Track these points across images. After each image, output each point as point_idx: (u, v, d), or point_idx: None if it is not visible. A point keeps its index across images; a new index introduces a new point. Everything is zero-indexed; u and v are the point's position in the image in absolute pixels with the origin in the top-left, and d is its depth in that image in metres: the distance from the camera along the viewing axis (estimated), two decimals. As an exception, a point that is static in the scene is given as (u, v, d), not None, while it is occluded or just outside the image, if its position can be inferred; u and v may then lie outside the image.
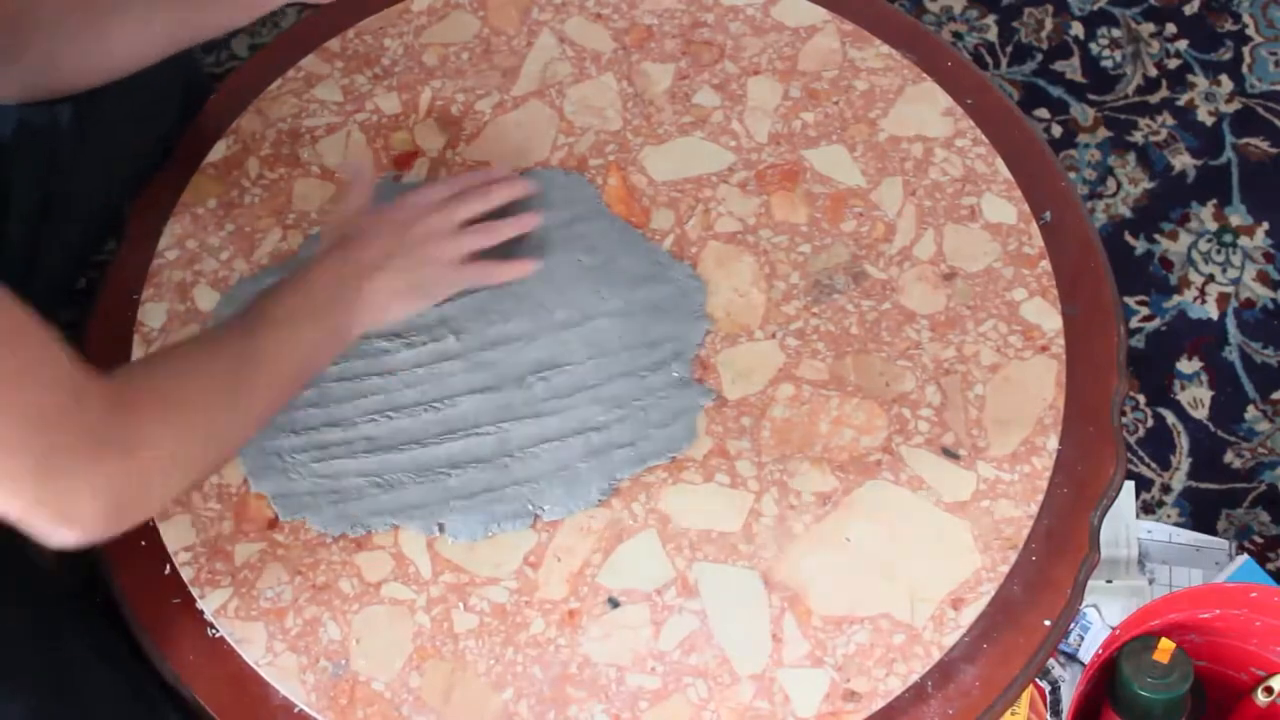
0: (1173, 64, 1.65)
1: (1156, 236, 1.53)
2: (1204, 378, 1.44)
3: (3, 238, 0.95)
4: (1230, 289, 1.50)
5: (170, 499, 0.78)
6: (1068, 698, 1.21)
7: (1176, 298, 1.49)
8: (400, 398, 0.92)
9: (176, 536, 0.89)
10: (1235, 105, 1.62)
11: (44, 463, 0.65)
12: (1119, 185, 1.57)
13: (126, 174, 1.03)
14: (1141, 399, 1.43)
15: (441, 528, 0.88)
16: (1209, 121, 1.61)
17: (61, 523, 0.67)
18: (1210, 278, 1.51)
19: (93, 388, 0.69)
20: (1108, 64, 1.66)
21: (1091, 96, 1.63)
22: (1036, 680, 1.21)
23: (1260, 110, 1.62)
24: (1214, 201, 1.56)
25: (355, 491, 0.89)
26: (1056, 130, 1.60)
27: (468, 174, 0.96)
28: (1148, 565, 1.31)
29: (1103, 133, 1.60)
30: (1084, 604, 1.21)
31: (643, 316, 0.94)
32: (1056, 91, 1.63)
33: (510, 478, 0.89)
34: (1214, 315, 1.48)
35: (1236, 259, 1.52)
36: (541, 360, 0.93)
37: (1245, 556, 1.29)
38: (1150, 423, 1.42)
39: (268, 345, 0.80)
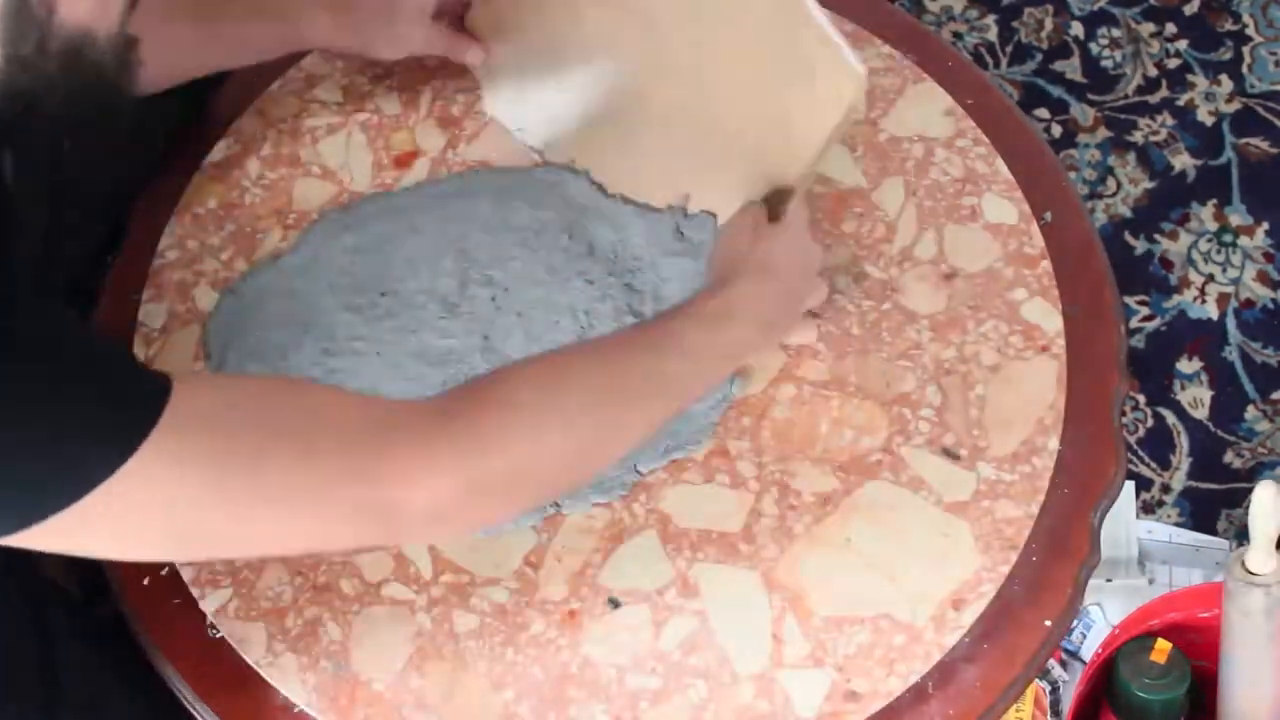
0: (1173, 64, 1.65)
1: (1156, 236, 1.54)
2: (1204, 378, 1.45)
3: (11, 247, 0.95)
4: (1230, 289, 1.50)
5: (528, 504, 0.74)
6: (1067, 698, 1.22)
7: (1176, 298, 1.50)
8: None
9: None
10: (1235, 105, 1.62)
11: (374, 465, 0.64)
12: (1119, 185, 1.57)
13: (128, 174, 1.03)
14: (1141, 399, 1.43)
15: None
16: (1209, 121, 1.61)
17: (401, 524, 0.67)
18: (1210, 278, 1.51)
19: (423, 405, 0.68)
20: (1108, 64, 1.66)
21: (1091, 96, 1.63)
22: (1037, 680, 1.21)
23: (1260, 110, 1.62)
24: (1214, 201, 1.56)
25: None
26: (1056, 130, 1.60)
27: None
28: (1148, 565, 1.31)
29: (1103, 133, 1.60)
30: (1086, 602, 1.21)
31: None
32: (1056, 91, 1.64)
33: None
34: (1214, 315, 1.48)
35: (1236, 259, 1.52)
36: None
37: (1245, 556, 1.29)
38: (1150, 423, 1.42)
39: (656, 371, 0.76)
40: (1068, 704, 1.17)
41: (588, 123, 1.00)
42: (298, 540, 0.67)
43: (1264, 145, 1.59)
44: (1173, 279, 1.51)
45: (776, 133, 0.88)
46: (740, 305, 0.81)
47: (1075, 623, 1.25)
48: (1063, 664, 1.26)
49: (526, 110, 1.03)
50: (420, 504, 0.66)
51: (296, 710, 0.84)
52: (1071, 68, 1.65)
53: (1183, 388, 1.44)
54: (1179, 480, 1.39)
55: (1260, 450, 1.40)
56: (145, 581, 0.88)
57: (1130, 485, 1.36)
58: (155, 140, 1.04)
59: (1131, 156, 1.59)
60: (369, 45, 0.99)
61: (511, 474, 0.69)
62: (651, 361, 0.76)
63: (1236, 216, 1.55)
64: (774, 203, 0.89)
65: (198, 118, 1.07)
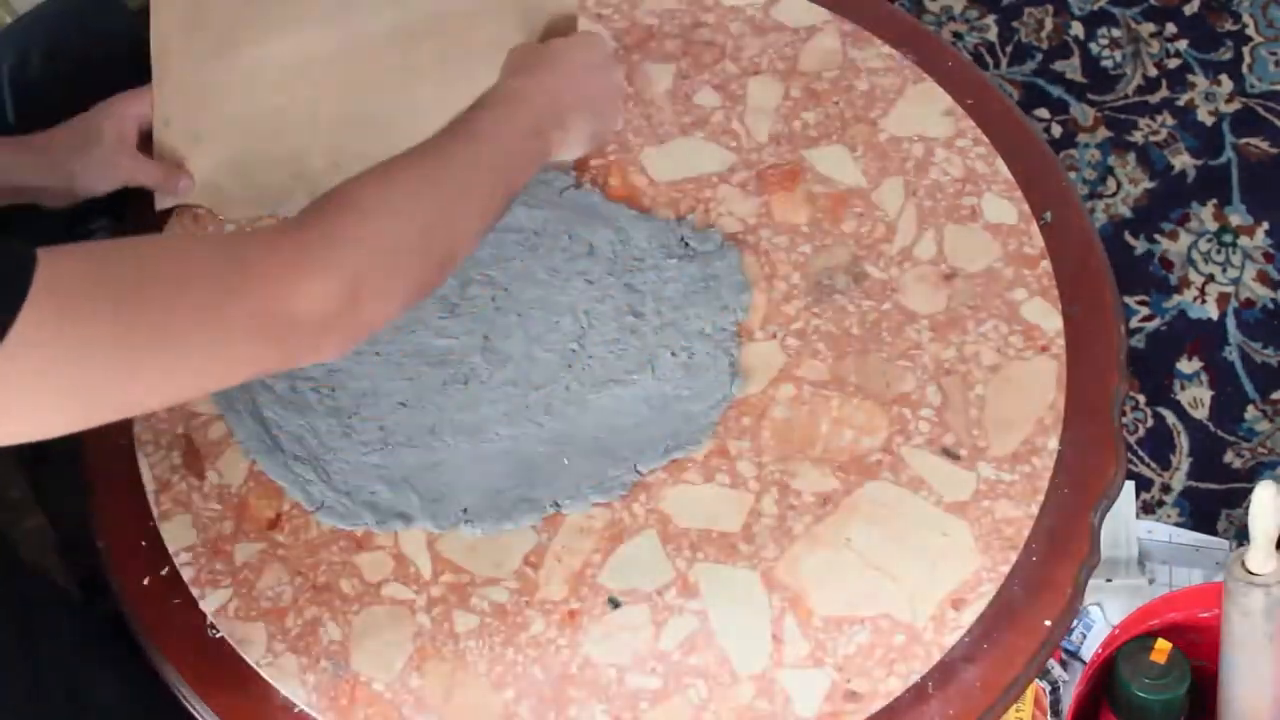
0: (1173, 64, 1.65)
1: (1156, 236, 1.54)
2: (1204, 378, 1.45)
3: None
4: (1230, 289, 1.50)
5: (405, 296, 0.74)
6: (1067, 698, 1.21)
7: (1176, 298, 1.50)
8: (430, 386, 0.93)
9: (176, 537, 0.89)
10: (1235, 105, 1.62)
11: (253, 278, 0.66)
12: (1119, 185, 1.57)
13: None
14: (1141, 399, 1.43)
15: (465, 511, 0.88)
16: (1209, 121, 1.61)
17: (300, 330, 0.68)
18: (1210, 278, 1.51)
19: (276, 225, 0.72)
20: (1108, 64, 1.66)
21: (1091, 96, 1.63)
22: (1037, 680, 1.21)
23: (1260, 110, 1.62)
24: (1214, 201, 1.56)
25: (369, 488, 0.89)
26: (1056, 130, 1.60)
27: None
28: (1148, 565, 1.31)
29: (1103, 133, 1.60)
30: (1086, 602, 1.21)
31: (670, 301, 0.95)
32: (1056, 91, 1.64)
33: (536, 472, 0.89)
34: (1214, 315, 1.48)
35: (1236, 259, 1.52)
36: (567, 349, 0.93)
37: (1245, 556, 1.29)
38: (1150, 423, 1.42)
39: (476, 150, 0.79)
40: (1068, 704, 1.17)
41: (336, 138, 1.00)
42: (197, 377, 0.67)
43: (1264, 145, 1.59)
44: (1173, 279, 1.51)
45: None
46: (526, 88, 0.84)
47: (1075, 623, 1.25)
48: (1063, 664, 1.26)
49: (266, 189, 1.01)
50: (302, 309, 0.67)
51: (296, 710, 0.84)
52: (1071, 68, 1.65)
53: (1183, 388, 1.44)
54: (1179, 480, 1.39)
55: (1260, 450, 1.40)
56: (145, 581, 0.88)
57: (1130, 485, 1.36)
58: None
59: (1131, 156, 1.59)
60: (74, 182, 0.96)
61: (373, 262, 0.71)
62: (463, 148, 0.79)
63: (1236, 216, 1.55)
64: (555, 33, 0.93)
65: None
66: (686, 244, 0.97)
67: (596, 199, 1.00)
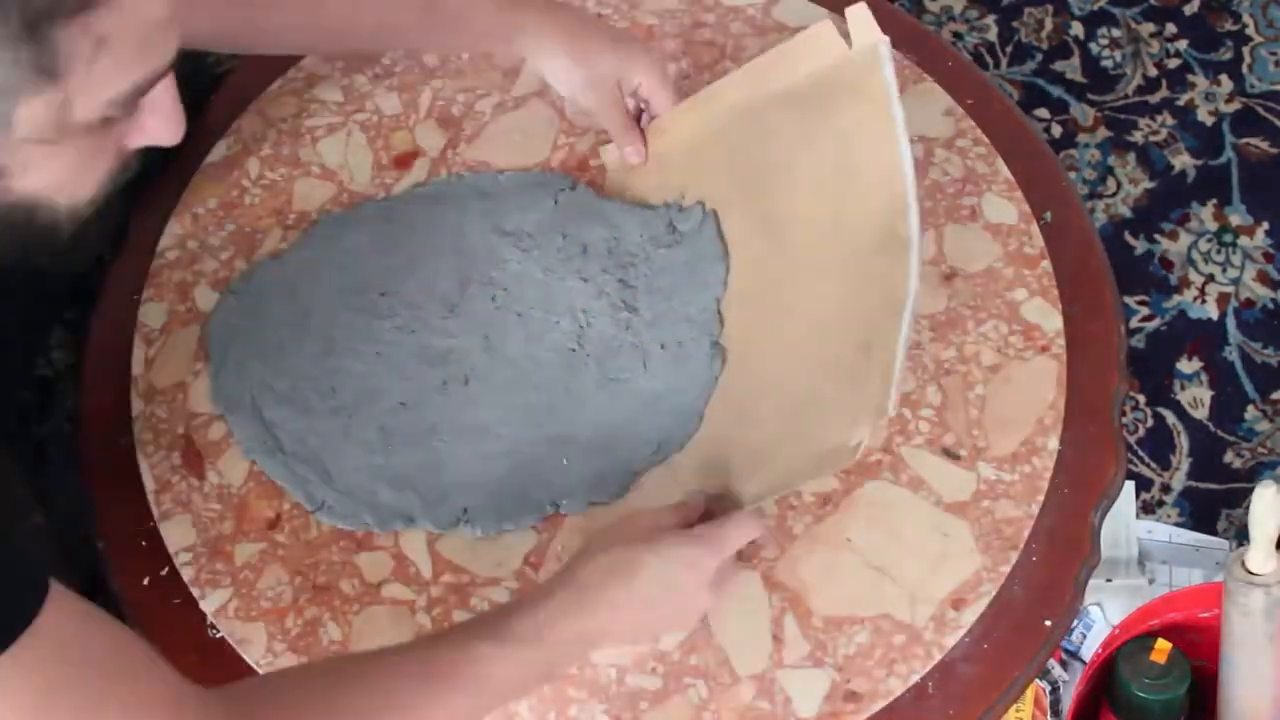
0: (1173, 64, 1.65)
1: (1156, 236, 1.54)
2: (1204, 378, 1.45)
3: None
4: (1230, 289, 1.50)
5: None
6: (1067, 698, 1.21)
7: (1176, 298, 1.50)
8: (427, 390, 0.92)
9: (177, 537, 0.89)
10: (1235, 105, 1.62)
11: None
12: (1119, 185, 1.57)
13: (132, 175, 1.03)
14: (1141, 399, 1.43)
15: (466, 512, 0.88)
16: (1209, 121, 1.61)
17: None
18: (1210, 278, 1.51)
19: (195, 707, 0.67)
20: (1108, 64, 1.66)
21: (1091, 96, 1.63)
22: (1037, 680, 1.21)
23: (1260, 110, 1.62)
24: (1214, 201, 1.56)
25: (370, 488, 0.89)
26: (1056, 130, 1.60)
27: (745, 527, 0.83)
28: (1148, 565, 1.31)
29: (1103, 133, 1.60)
30: (1086, 602, 1.21)
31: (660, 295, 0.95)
32: (1056, 91, 1.64)
33: (531, 474, 0.89)
34: (1214, 315, 1.48)
35: (1236, 259, 1.52)
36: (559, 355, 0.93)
37: (1245, 556, 1.29)
38: (1150, 423, 1.42)
39: (456, 704, 0.73)
40: (1068, 704, 1.17)
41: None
42: None
43: (1264, 145, 1.59)
44: (1173, 279, 1.51)
45: (799, 444, 0.86)
46: (561, 624, 0.76)
47: (1075, 623, 1.25)
48: (1063, 664, 1.26)
49: None
50: None
51: (296, 710, 0.84)
52: (1071, 68, 1.65)
53: (1183, 388, 1.44)
54: (1179, 480, 1.39)
55: (1260, 450, 1.40)
56: (145, 581, 0.88)
57: (1130, 485, 1.36)
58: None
59: (1131, 156, 1.59)
60: (564, 81, 0.99)
61: None
62: (445, 695, 0.73)
63: (1236, 216, 1.55)
64: (716, 506, 0.85)
65: (198, 118, 1.07)
66: (674, 227, 0.97)
67: (589, 198, 1.00)
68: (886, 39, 0.87)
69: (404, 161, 1.04)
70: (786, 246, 0.92)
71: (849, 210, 0.88)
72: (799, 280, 0.91)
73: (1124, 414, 1.21)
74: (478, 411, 0.91)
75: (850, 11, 0.88)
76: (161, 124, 0.64)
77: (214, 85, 1.07)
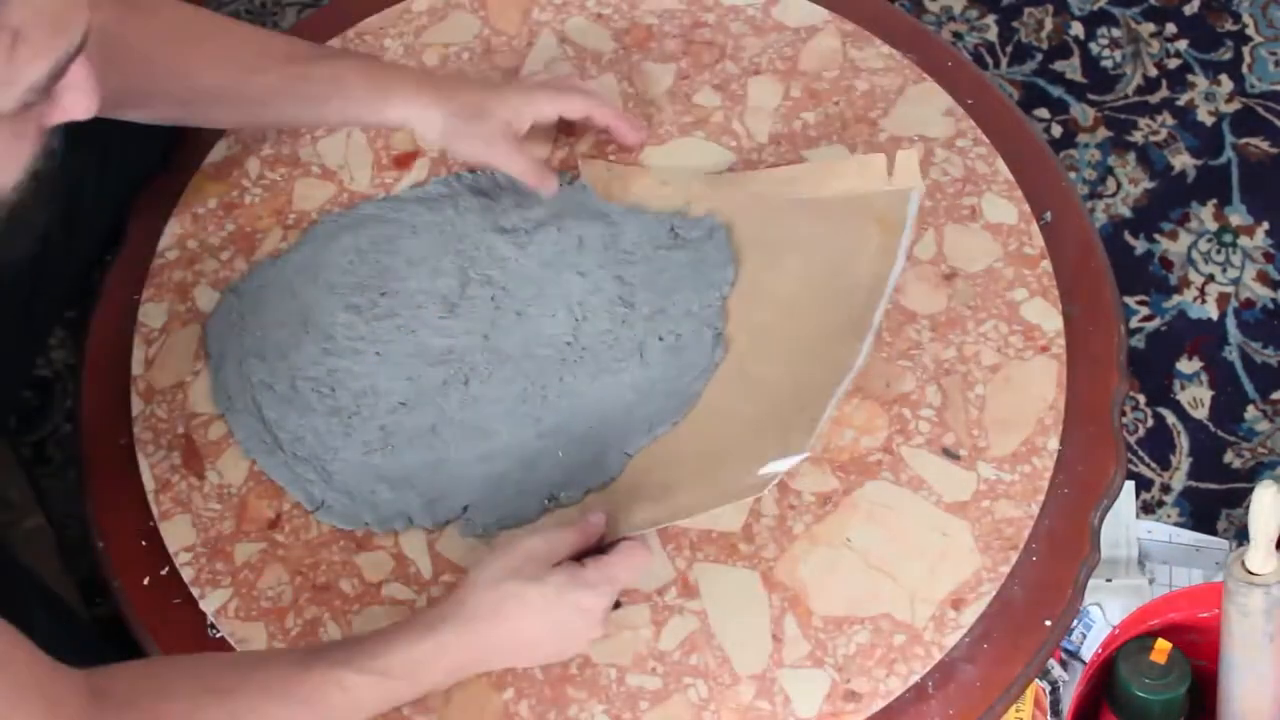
0: (1173, 64, 1.65)
1: (1156, 236, 1.53)
2: (1204, 378, 1.44)
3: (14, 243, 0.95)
4: (1230, 289, 1.50)
5: None
6: (1067, 698, 1.21)
7: (1176, 298, 1.50)
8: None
9: (177, 537, 0.89)
10: (1235, 105, 1.62)
11: None
12: (1119, 185, 1.57)
13: (132, 175, 1.03)
14: (1141, 399, 1.43)
15: (465, 510, 0.88)
16: (1209, 121, 1.61)
17: None
18: (1210, 278, 1.51)
19: (69, 695, 0.67)
20: (1108, 64, 1.65)
21: (1091, 96, 1.63)
22: (1037, 680, 1.21)
23: (1260, 110, 1.62)
24: (1214, 201, 1.55)
25: (370, 487, 0.89)
26: (1056, 130, 1.60)
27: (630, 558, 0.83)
28: (1148, 565, 1.31)
29: (1103, 133, 1.60)
30: (1086, 602, 1.21)
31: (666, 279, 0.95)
32: (1056, 91, 1.63)
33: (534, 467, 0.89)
34: (1214, 315, 1.48)
35: (1236, 259, 1.52)
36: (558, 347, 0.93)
37: (1245, 556, 1.29)
38: (1150, 423, 1.42)
39: (366, 700, 0.74)
40: (1068, 704, 1.17)
41: None
42: None
43: (1264, 145, 1.59)
44: (1173, 279, 1.51)
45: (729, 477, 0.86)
46: (449, 648, 0.77)
47: (1075, 623, 1.25)
48: (1063, 664, 1.26)
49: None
50: None
51: (296, 710, 0.84)
52: (1071, 68, 1.65)
53: (1183, 388, 1.44)
54: (1179, 480, 1.39)
55: (1260, 450, 1.40)
56: (145, 581, 0.88)
57: (1130, 485, 1.36)
58: (155, 141, 1.04)
59: (1131, 156, 1.59)
60: (440, 136, 0.97)
61: None
62: (345, 690, 0.74)
63: (1236, 216, 1.55)
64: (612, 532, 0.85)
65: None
66: (676, 234, 0.97)
67: (588, 195, 1.00)
68: (923, 187, 0.94)
69: (404, 161, 1.04)
70: (763, 296, 0.93)
71: (828, 288, 0.91)
72: (769, 326, 0.92)
73: (1124, 414, 1.21)
74: (477, 410, 0.91)
75: (901, 154, 0.93)
76: (77, 99, 0.63)
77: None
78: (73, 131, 0.63)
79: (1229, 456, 1.40)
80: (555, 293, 0.95)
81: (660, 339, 0.93)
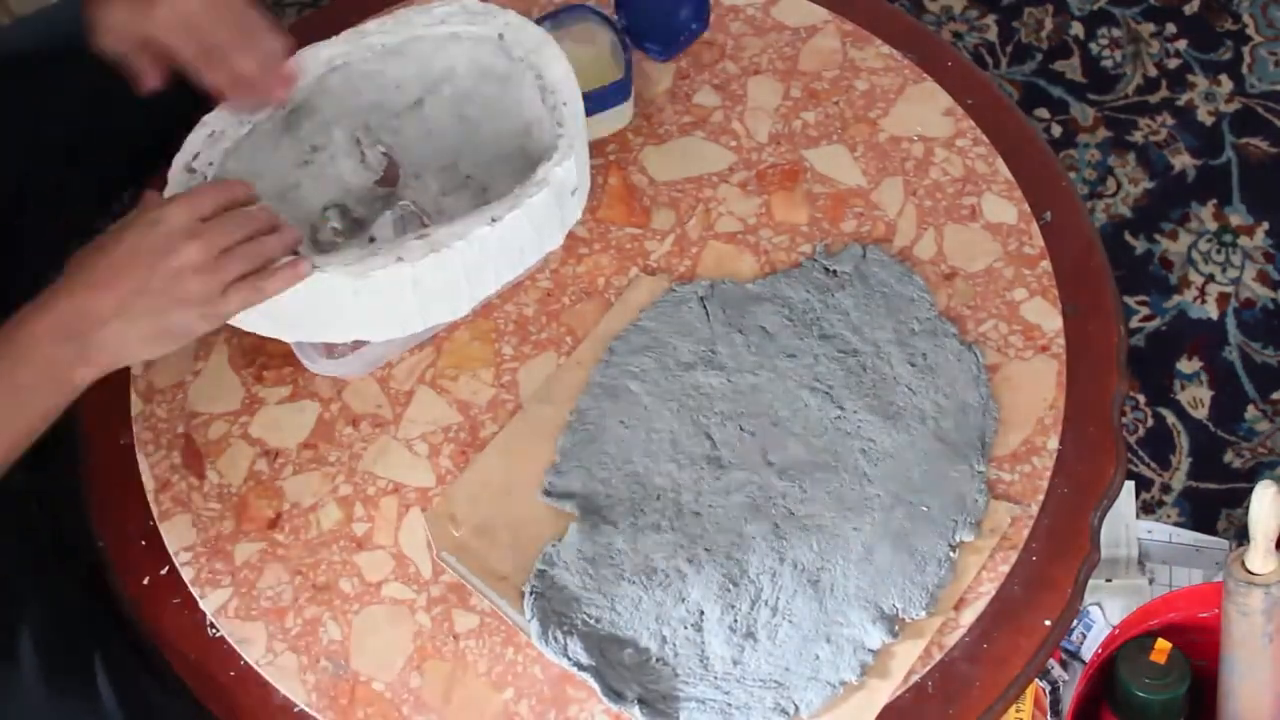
0: (1173, 64, 1.65)
1: (1156, 236, 1.53)
2: (1204, 378, 1.45)
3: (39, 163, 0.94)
4: (1230, 289, 1.50)
5: None
6: (1067, 698, 1.21)
7: (1176, 298, 1.50)
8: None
9: (177, 536, 0.89)
10: (1235, 105, 1.62)
11: None
12: (1119, 185, 1.57)
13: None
14: (1141, 399, 1.43)
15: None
16: (1209, 121, 1.61)
17: None
18: (1210, 278, 1.51)
19: None
20: (1108, 64, 1.66)
21: (1091, 96, 1.63)
22: (1037, 680, 1.21)
23: (1260, 110, 1.62)
24: (1214, 201, 1.56)
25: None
26: (1056, 130, 1.60)
27: (224, 186, 0.80)
28: (1148, 565, 1.31)
29: (1103, 133, 1.60)
30: (1085, 602, 1.21)
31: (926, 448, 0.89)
32: (1056, 91, 1.63)
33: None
34: (1214, 315, 1.48)
35: (1236, 259, 1.52)
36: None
37: (1245, 556, 1.29)
38: (1150, 423, 1.42)
39: None
40: (1068, 704, 1.17)
41: None
42: None
43: (1264, 145, 1.59)
44: (1173, 279, 1.51)
45: None
46: (32, 325, 0.75)
47: (1075, 623, 1.25)
48: (1063, 664, 1.26)
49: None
50: None
51: (296, 710, 0.84)
52: (1071, 68, 1.65)
53: (1183, 388, 1.44)
54: (1179, 480, 1.39)
55: (1260, 450, 1.40)
56: (145, 581, 0.88)
57: (1130, 485, 1.36)
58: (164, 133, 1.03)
59: (1131, 156, 1.59)
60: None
61: None
62: None
63: (1236, 216, 1.55)
64: None
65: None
66: (832, 272, 0.96)
67: (732, 288, 0.96)
68: None
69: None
70: None
71: None
72: None
73: (1124, 414, 1.21)
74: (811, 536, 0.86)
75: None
76: None
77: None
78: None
79: (1229, 456, 1.40)
80: (785, 385, 0.91)
81: (911, 364, 0.92)
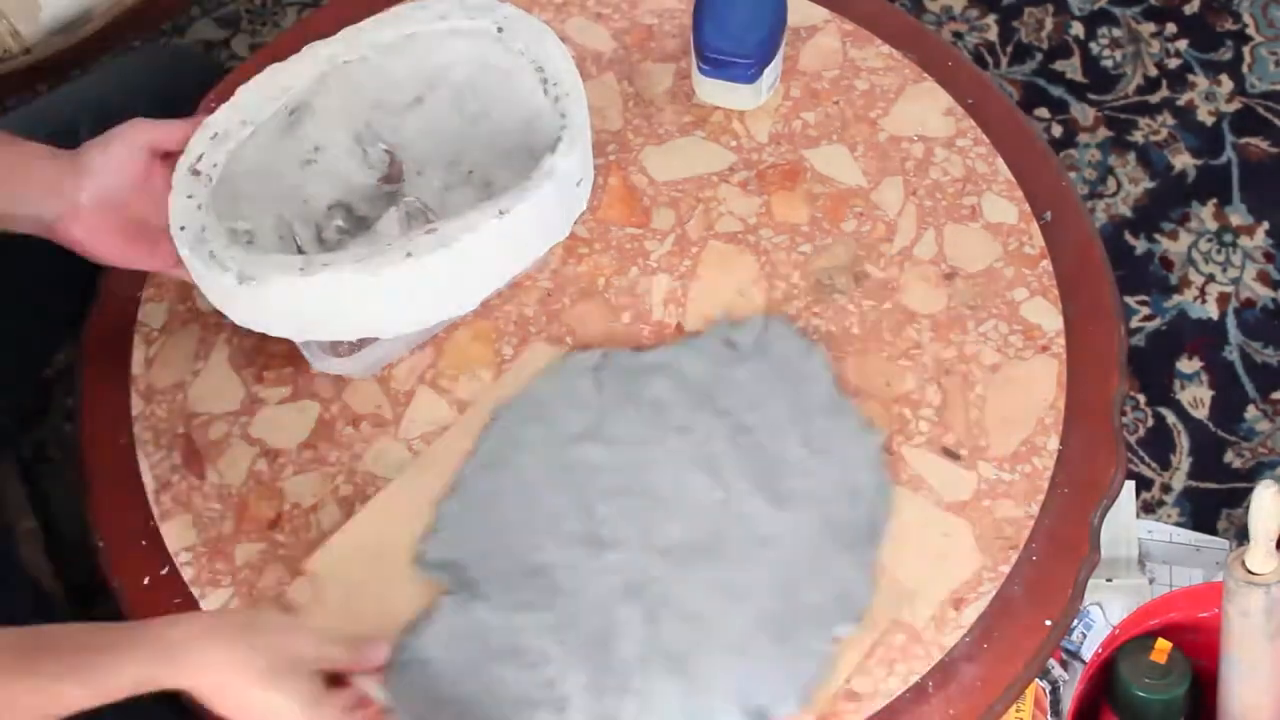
0: (1173, 64, 1.65)
1: (1156, 236, 1.53)
2: (1204, 377, 1.45)
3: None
4: (1230, 289, 1.50)
5: None
6: (1067, 698, 1.21)
7: (1176, 297, 1.50)
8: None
9: (177, 537, 0.89)
10: (1235, 105, 1.62)
11: None
12: (1119, 185, 1.57)
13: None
14: (1141, 399, 1.43)
15: None
16: (1209, 121, 1.61)
17: None
18: (1210, 277, 1.51)
19: None
20: (1108, 64, 1.66)
21: (1091, 96, 1.63)
22: (1037, 680, 1.21)
23: (1260, 110, 1.62)
24: (1214, 201, 1.56)
25: None
26: (1057, 130, 1.60)
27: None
28: (1148, 565, 1.31)
29: (1103, 132, 1.60)
30: (1086, 602, 1.21)
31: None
32: (1057, 91, 1.63)
33: None
34: (1214, 315, 1.48)
35: (1236, 259, 1.52)
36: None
37: (1245, 556, 1.29)
38: (1150, 422, 1.42)
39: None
40: (1068, 704, 1.17)
41: None
42: None
43: (1264, 145, 1.59)
44: (1173, 279, 1.51)
45: None
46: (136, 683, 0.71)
47: (1075, 622, 1.25)
48: (1063, 664, 1.26)
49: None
50: None
51: (296, 710, 0.84)
52: (1071, 68, 1.65)
53: (1183, 388, 1.44)
54: (1179, 480, 1.39)
55: (1260, 450, 1.40)
56: (145, 581, 0.88)
57: (1130, 485, 1.36)
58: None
59: (1131, 156, 1.59)
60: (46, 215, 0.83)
61: None
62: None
63: (1236, 216, 1.55)
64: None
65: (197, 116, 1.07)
66: (733, 344, 0.92)
67: (628, 358, 0.93)
68: None
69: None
70: None
71: None
72: None
73: (1124, 414, 1.21)
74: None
75: None
76: None
77: (208, 85, 1.07)
78: None
79: (1229, 456, 1.40)
80: (677, 463, 0.88)
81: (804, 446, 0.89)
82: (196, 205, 0.83)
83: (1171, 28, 1.68)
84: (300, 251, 0.89)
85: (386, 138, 0.94)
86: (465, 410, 0.92)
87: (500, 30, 0.89)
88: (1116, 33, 1.68)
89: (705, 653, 0.81)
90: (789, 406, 0.90)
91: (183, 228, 0.82)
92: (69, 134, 0.97)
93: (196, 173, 0.84)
